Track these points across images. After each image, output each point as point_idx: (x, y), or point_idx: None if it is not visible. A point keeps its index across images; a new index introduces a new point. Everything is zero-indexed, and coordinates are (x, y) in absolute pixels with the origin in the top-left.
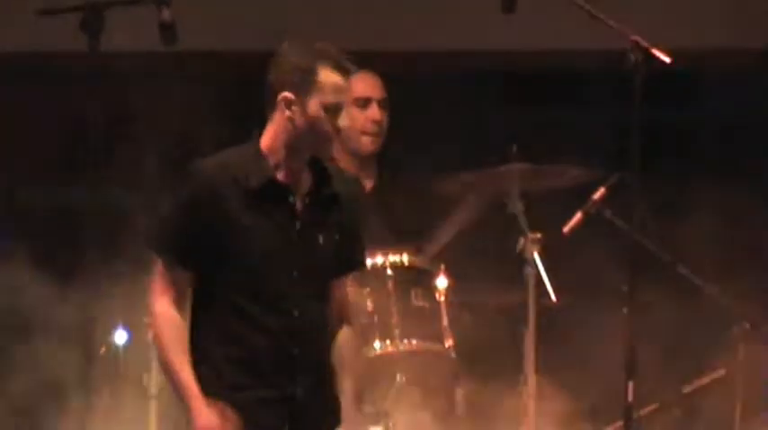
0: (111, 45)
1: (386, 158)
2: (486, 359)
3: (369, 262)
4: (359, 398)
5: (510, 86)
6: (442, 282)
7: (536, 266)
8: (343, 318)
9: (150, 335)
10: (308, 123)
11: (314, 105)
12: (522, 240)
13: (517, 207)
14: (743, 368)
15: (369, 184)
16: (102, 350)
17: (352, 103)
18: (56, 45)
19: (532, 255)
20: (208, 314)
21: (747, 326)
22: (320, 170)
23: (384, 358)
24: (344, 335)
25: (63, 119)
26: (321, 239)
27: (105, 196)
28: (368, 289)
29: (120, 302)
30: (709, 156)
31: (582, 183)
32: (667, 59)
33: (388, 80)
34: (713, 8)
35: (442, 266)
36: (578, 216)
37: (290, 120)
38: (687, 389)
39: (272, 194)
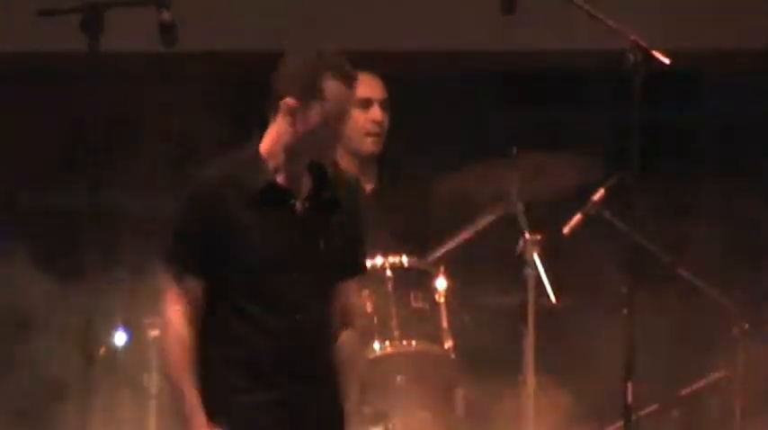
0: (111, 46)
1: (386, 159)
2: (486, 360)
3: (368, 263)
4: (359, 400)
5: (510, 86)
6: (441, 283)
7: (536, 267)
8: (346, 322)
9: (150, 335)
10: (308, 130)
11: (316, 113)
12: (521, 241)
13: (517, 208)
14: (743, 369)
15: (369, 187)
16: (102, 350)
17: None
18: (56, 45)
19: (532, 256)
20: (208, 315)
21: (747, 326)
22: (320, 174)
23: (383, 359)
24: (348, 339)
25: (63, 119)
26: (322, 242)
27: (105, 197)
28: (367, 290)
29: (120, 303)
30: (709, 156)
31: (582, 184)
32: (666, 60)
33: (388, 80)
34: (713, 8)
35: (442, 268)
36: (578, 217)
37: (291, 125)
38: (687, 390)
39: (272, 197)
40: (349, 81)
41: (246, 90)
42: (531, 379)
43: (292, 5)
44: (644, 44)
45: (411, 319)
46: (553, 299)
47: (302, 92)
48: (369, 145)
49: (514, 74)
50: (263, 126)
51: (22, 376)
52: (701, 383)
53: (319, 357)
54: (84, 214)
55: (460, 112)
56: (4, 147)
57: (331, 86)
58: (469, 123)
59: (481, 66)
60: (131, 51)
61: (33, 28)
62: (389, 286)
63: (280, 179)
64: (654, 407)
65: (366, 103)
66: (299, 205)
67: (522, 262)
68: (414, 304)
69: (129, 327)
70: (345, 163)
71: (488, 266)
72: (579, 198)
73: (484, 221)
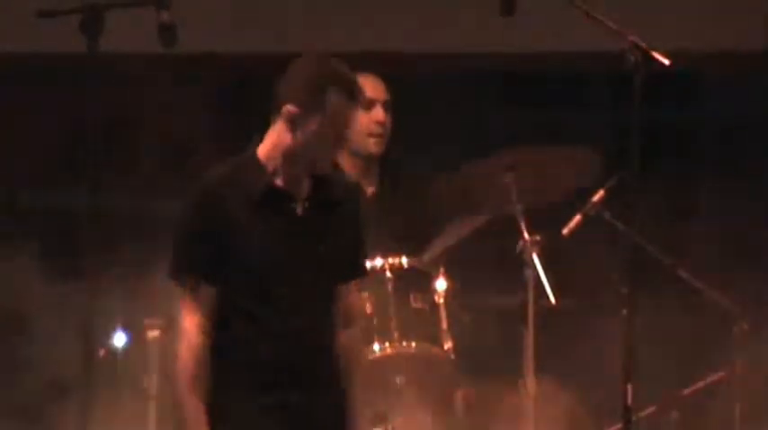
0: (111, 46)
1: (386, 160)
2: (486, 361)
3: (368, 264)
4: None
5: (510, 87)
6: (441, 284)
7: (535, 268)
8: (347, 323)
9: (150, 336)
10: (307, 140)
11: (315, 124)
12: (521, 242)
13: (516, 208)
14: (743, 369)
15: (370, 189)
16: (102, 352)
17: None
18: (55, 46)
19: (532, 256)
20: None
21: (747, 326)
22: (320, 175)
23: (383, 360)
24: (349, 340)
25: (63, 119)
26: (323, 244)
27: (105, 197)
28: (367, 291)
29: (120, 304)
30: (709, 157)
31: (581, 184)
32: (666, 61)
33: (388, 81)
34: (713, 8)
35: (442, 269)
36: (578, 218)
37: (291, 131)
38: (687, 390)
39: (272, 201)
40: (353, 97)
41: (246, 91)
42: (530, 380)
43: (292, 7)
44: (644, 45)
45: (411, 320)
46: (553, 299)
47: (304, 101)
48: (371, 145)
49: (514, 74)
50: (263, 127)
51: (22, 377)
52: (701, 384)
53: (320, 359)
54: (84, 214)
55: (460, 113)
56: (4, 147)
57: (334, 100)
58: (469, 123)
59: (481, 66)
60: (131, 52)
61: (33, 28)
62: (389, 287)
63: (279, 182)
64: (654, 407)
65: (369, 104)
66: (298, 207)
67: (522, 262)
68: (413, 305)
69: (128, 329)
70: (348, 164)
71: (488, 267)
72: (579, 199)
73: (468, 222)
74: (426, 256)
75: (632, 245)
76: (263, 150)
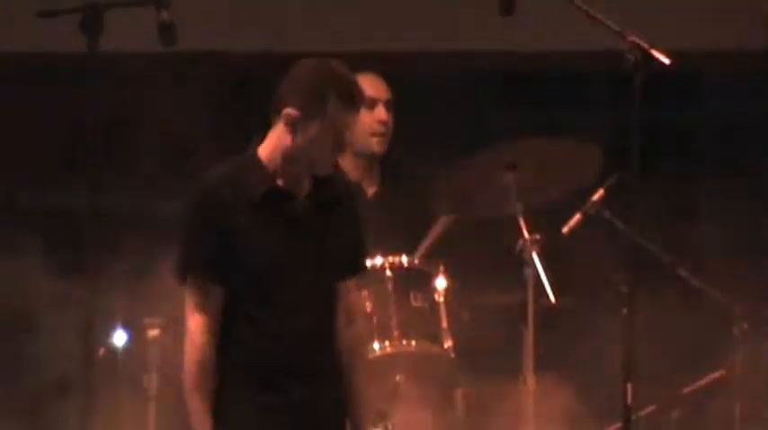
0: (111, 46)
1: (387, 159)
2: (486, 360)
3: (368, 263)
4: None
5: (510, 86)
6: (441, 282)
7: (535, 267)
8: (349, 322)
9: (150, 335)
10: (306, 143)
11: (315, 129)
12: (521, 241)
13: (516, 208)
14: (743, 368)
15: (372, 190)
16: (102, 351)
17: None
18: (55, 46)
19: (532, 255)
20: None
21: (747, 326)
22: (319, 176)
23: (383, 359)
24: (353, 340)
25: (63, 119)
26: (322, 242)
27: (105, 197)
28: (367, 290)
29: (120, 303)
30: (709, 156)
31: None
32: (666, 60)
33: (388, 80)
34: (713, 8)
35: (441, 267)
36: (577, 217)
37: (290, 134)
38: (687, 389)
39: (273, 201)
40: (353, 102)
41: (246, 90)
42: (530, 378)
43: (291, 6)
44: (644, 44)
45: (411, 319)
46: (552, 298)
47: (304, 105)
48: (374, 145)
49: (514, 74)
50: (263, 127)
51: (22, 376)
52: (701, 383)
53: (320, 357)
54: (84, 214)
55: (460, 112)
56: (4, 147)
57: (334, 107)
58: (469, 123)
59: (481, 66)
60: (131, 52)
61: (33, 28)
62: (389, 286)
63: (280, 182)
64: (653, 407)
65: (371, 103)
66: (299, 207)
67: (522, 261)
68: (413, 304)
69: (128, 328)
70: (350, 164)
71: (488, 266)
72: (579, 198)
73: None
74: (417, 255)
75: (632, 244)
76: (264, 151)
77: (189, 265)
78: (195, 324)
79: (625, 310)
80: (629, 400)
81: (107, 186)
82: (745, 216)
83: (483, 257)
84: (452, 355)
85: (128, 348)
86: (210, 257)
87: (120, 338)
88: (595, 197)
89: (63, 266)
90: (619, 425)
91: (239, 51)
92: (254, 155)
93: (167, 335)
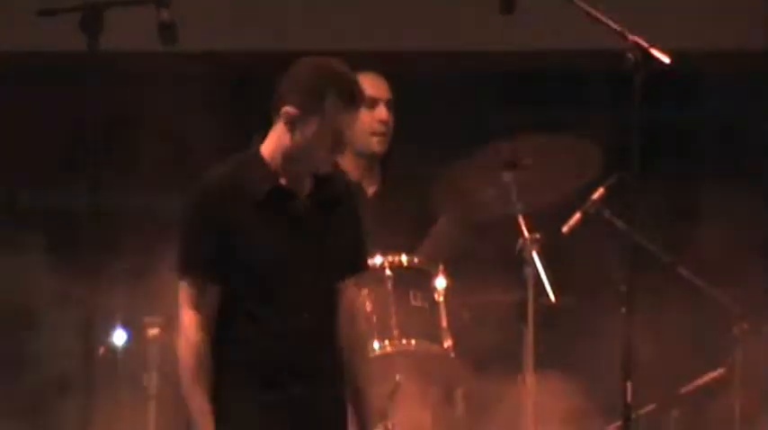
0: (111, 45)
1: (387, 159)
2: (485, 359)
3: (368, 262)
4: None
5: (510, 86)
6: (440, 282)
7: (535, 266)
8: (351, 321)
9: (150, 334)
10: (305, 142)
11: (314, 127)
12: (521, 240)
13: (516, 207)
14: (743, 368)
15: (372, 189)
16: (102, 350)
17: None
18: (55, 45)
19: (532, 254)
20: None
21: (747, 326)
22: (320, 175)
23: (383, 358)
24: (354, 339)
25: (63, 119)
26: (323, 241)
27: (105, 197)
28: (366, 289)
29: (120, 302)
30: (709, 156)
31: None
32: (666, 60)
33: (388, 80)
34: (713, 8)
35: (441, 266)
36: (577, 216)
37: (290, 132)
38: (686, 388)
39: (275, 200)
40: (352, 101)
41: (246, 90)
42: (530, 378)
43: (292, 6)
44: (644, 44)
45: (410, 318)
46: (552, 297)
47: (303, 104)
48: (375, 144)
49: (514, 74)
50: (263, 126)
51: (22, 375)
52: (701, 382)
53: (321, 355)
54: (84, 214)
55: (460, 112)
56: (4, 147)
57: (332, 103)
58: (469, 123)
59: (481, 66)
60: (131, 50)
61: (33, 27)
62: (389, 285)
63: (282, 180)
64: (653, 405)
65: (372, 103)
66: (301, 206)
67: (522, 260)
68: (413, 303)
69: (128, 327)
70: (350, 164)
71: (488, 265)
72: (579, 197)
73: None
74: (418, 254)
75: (632, 243)
76: (266, 149)
77: (188, 265)
78: (190, 320)
79: (624, 309)
80: (629, 399)
81: (107, 186)
82: (745, 216)
83: (483, 256)
84: (452, 354)
85: (128, 347)
86: (210, 257)
87: (120, 337)
88: (595, 196)
89: (63, 265)
90: (619, 423)
91: (239, 50)
92: (257, 153)
93: (167, 334)
